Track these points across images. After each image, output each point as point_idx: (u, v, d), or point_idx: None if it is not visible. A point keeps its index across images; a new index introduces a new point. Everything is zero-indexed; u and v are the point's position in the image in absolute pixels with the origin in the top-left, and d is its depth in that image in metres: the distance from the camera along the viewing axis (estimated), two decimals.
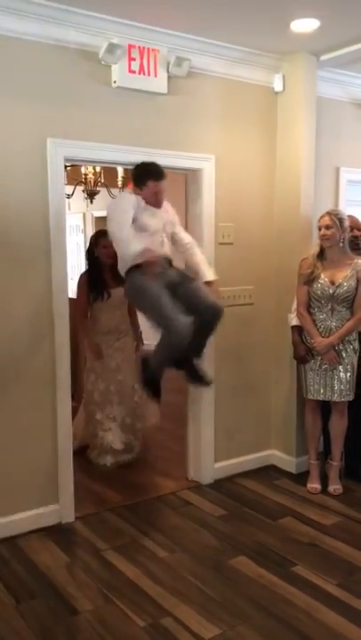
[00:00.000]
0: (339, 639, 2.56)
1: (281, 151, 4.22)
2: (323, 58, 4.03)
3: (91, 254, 4.51)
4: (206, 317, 3.30)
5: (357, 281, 3.81)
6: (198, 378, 3.55)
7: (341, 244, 3.84)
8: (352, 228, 4.09)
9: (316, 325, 3.89)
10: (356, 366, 3.91)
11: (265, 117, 4.17)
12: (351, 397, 3.92)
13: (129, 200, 3.32)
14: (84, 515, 3.68)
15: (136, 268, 3.24)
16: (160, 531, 3.49)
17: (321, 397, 3.94)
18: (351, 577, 3.04)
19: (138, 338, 4.65)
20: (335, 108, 4.48)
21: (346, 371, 3.87)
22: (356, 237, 4.14)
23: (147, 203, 3.33)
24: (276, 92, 4.16)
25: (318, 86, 4.18)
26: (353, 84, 4.49)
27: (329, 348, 3.83)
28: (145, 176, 3.31)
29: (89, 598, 2.85)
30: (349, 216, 4.23)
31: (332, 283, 3.82)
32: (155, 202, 3.35)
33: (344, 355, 3.87)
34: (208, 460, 4.15)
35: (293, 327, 4.03)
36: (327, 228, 3.79)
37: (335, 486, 4.02)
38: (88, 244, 4.62)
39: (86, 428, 4.56)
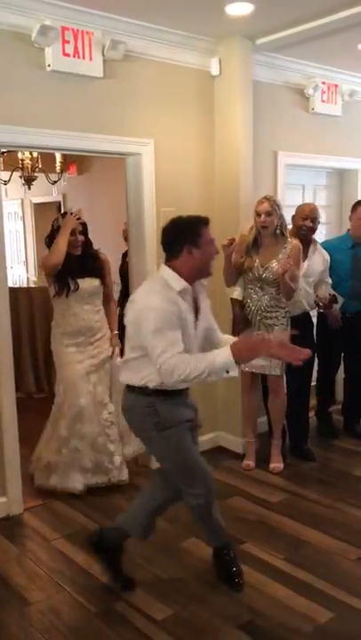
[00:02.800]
0: (286, 610, 2.65)
1: (219, 135, 4.23)
2: (258, 42, 4.06)
3: (51, 240, 3.79)
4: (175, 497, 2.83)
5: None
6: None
7: (278, 231, 3.88)
8: (305, 218, 4.12)
9: (249, 302, 3.96)
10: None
11: (203, 101, 4.17)
12: (278, 373, 3.98)
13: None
14: (33, 506, 3.65)
15: (162, 395, 2.58)
16: (111, 517, 3.48)
17: (252, 370, 3.97)
18: (297, 551, 3.14)
19: (114, 341, 3.95)
20: (272, 92, 4.52)
21: None
22: (306, 228, 4.12)
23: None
24: (213, 76, 4.17)
25: (255, 70, 4.22)
26: (288, 67, 4.55)
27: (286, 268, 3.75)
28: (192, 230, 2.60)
29: (40, 588, 2.84)
30: (307, 205, 4.28)
31: (262, 266, 3.86)
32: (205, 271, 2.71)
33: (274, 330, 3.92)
34: None
35: (234, 300, 4.07)
36: (268, 214, 3.81)
37: (275, 464, 4.12)
38: (50, 229, 3.87)
39: (48, 446, 3.88)
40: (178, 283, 2.52)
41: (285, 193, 4.62)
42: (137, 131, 3.84)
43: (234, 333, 4.08)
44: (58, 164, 6.38)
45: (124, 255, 6.19)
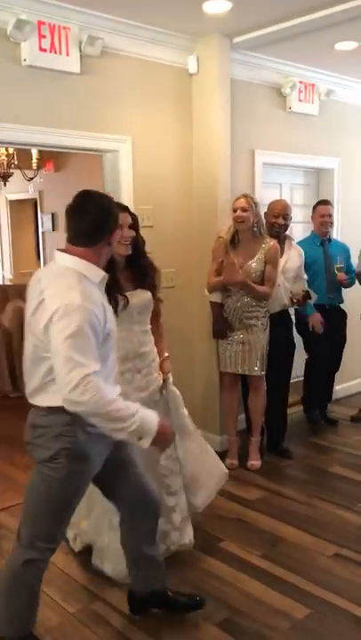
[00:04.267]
0: (263, 607, 2.66)
1: (197, 133, 4.23)
2: (236, 40, 4.06)
3: None
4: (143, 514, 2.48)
5: (265, 263, 3.87)
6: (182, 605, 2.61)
7: (255, 228, 3.89)
8: (278, 215, 4.15)
9: (229, 302, 3.96)
10: (265, 343, 4.00)
11: (180, 99, 4.16)
12: (259, 373, 4.00)
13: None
14: (9, 506, 3.61)
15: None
16: None
17: (234, 370, 4.02)
18: (274, 548, 3.15)
19: (165, 366, 3.03)
20: (249, 90, 4.53)
21: (256, 348, 3.96)
22: (277, 225, 4.15)
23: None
24: (191, 74, 4.16)
25: (232, 69, 4.22)
26: (266, 66, 4.56)
27: (240, 283, 3.81)
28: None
29: None
30: (279, 201, 4.31)
31: (241, 266, 3.86)
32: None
33: (253, 331, 3.96)
34: None
35: (213, 303, 4.08)
36: (243, 210, 3.83)
37: (252, 462, 4.14)
38: None
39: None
40: (95, 272, 2.14)
41: (263, 191, 4.64)
42: (114, 127, 3.82)
43: (214, 335, 4.10)
44: (34, 160, 6.33)
45: None
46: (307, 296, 4.17)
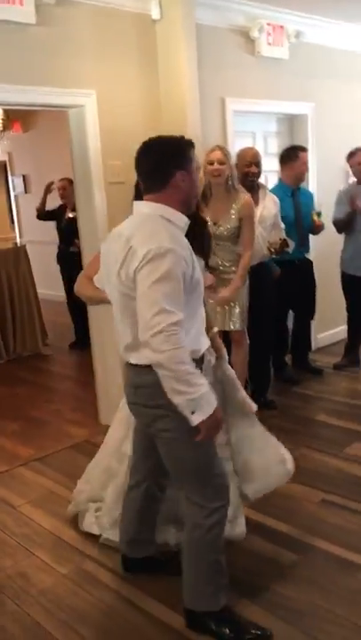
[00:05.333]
0: (252, 556, 2.70)
1: (164, 82, 4.08)
2: None
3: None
4: None
5: (240, 220, 3.77)
6: None
7: (230, 182, 3.77)
8: (250, 163, 4.05)
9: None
10: (246, 297, 3.95)
11: (145, 48, 4.01)
12: (241, 328, 3.96)
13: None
14: None
15: None
16: (76, 478, 3.47)
17: (220, 327, 3.96)
18: (263, 498, 3.14)
19: (216, 344, 2.61)
20: (216, 35, 4.37)
21: (237, 303, 3.90)
22: (252, 174, 4.06)
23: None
24: (154, 20, 3.99)
25: (197, 12, 4.05)
26: (232, 9, 4.39)
27: (236, 294, 3.80)
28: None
29: (8, 555, 2.82)
30: (249, 148, 4.21)
31: (215, 223, 3.75)
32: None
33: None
34: (119, 402, 4.13)
35: None
36: (220, 162, 3.68)
37: None
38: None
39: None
40: (177, 215, 2.04)
41: (236, 141, 4.52)
42: (77, 81, 3.68)
43: None
44: (0, 121, 6.13)
45: (60, 210, 6.05)
46: (284, 244, 4.09)
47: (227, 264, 3.85)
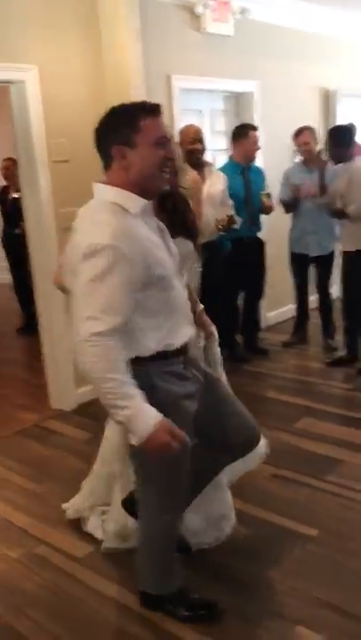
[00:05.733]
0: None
1: (108, 58, 3.99)
2: None
3: None
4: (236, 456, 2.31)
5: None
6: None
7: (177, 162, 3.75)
8: (194, 140, 4.02)
9: None
10: (197, 276, 3.93)
11: (87, 22, 3.90)
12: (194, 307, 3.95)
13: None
14: None
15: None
16: (26, 464, 3.44)
17: None
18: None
19: (205, 322, 2.61)
20: (161, 10, 4.29)
21: (188, 282, 3.89)
22: (197, 151, 4.04)
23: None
24: None
25: None
26: None
27: None
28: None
29: None
30: (190, 125, 4.17)
31: None
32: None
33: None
34: (69, 386, 4.09)
35: None
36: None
37: None
38: None
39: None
40: (131, 200, 1.75)
41: (182, 119, 4.48)
42: (17, 56, 3.56)
43: None
44: None
45: (3, 191, 5.91)
46: (231, 221, 4.07)
47: None
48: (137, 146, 1.74)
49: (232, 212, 4.18)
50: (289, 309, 5.48)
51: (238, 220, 4.18)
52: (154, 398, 1.77)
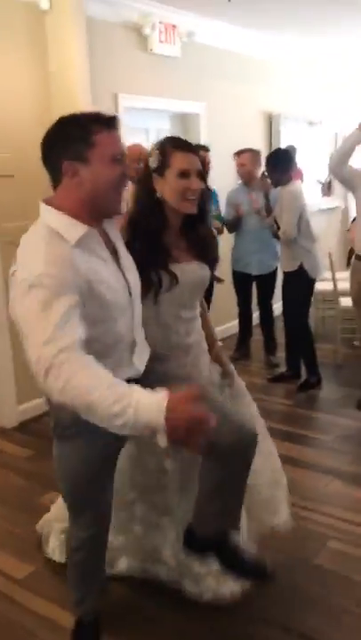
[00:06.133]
0: None
1: (55, 75, 4.00)
2: None
3: (147, 190, 2.08)
4: (235, 459, 1.95)
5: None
6: (246, 569, 2.06)
7: None
8: (138, 160, 4.06)
9: None
10: None
11: (35, 39, 3.91)
12: None
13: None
14: None
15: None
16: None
17: None
18: None
19: (222, 359, 2.42)
20: (108, 30, 4.35)
21: None
22: (140, 169, 4.09)
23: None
24: (43, 11, 3.90)
25: (89, 6, 4.01)
26: (124, 5, 4.38)
27: None
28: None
29: None
30: (136, 145, 4.21)
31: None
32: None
33: None
34: (10, 403, 4.04)
35: None
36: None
37: None
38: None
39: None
40: (71, 229, 1.58)
41: (128, 137, 4.52)
42: None
43: None
44: None
45: None
46: None
47: None
48: (90, 162, 1.57)
49: None
50: (233, 325, 5.57)
51: None
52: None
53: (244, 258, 4.90)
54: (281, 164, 4.28)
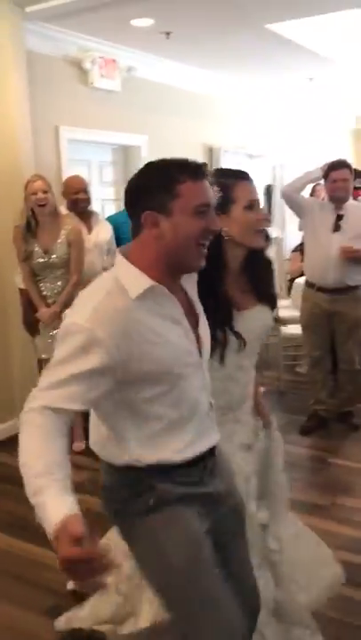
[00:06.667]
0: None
1: None
2: (28, 9, 3.90)
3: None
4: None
5: (69, 245, 3.77)
6: None
7: (54, 209, 3.77)
8: (77, 190, 4.08)
9: (42, 294, 3.83)
10: None
11: None
12: None
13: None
14: None
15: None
16: None
17: (51, 357, 3.92)
18: (106, 528, 3.15)
19: (264, 408, 2.14)
20: (49, 64, 4.39)
21: None
22: (81, 201, 4.09)
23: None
24: None
25: (29, 41, 4.05)
26: (64, 40, 4.45)
27: (54, 318, 3.81)
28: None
29: None
30: (75, 176, 4.23)
31: (46, 252, 3.74)
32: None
33: None
34: None
35: (21, 290, 3.93)
36: (44, 191, 3.67)
37: (77, 443, 4.10)
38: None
39: None
40: (136, 282, 1.43)
41: (71, 169, 4.54)
42: None
43: (25, 326, 3.96)
44: None
45: None
46: None
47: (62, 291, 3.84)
48: (172, 213, 1.44)
49: None
50: None
51: None
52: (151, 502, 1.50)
53: None
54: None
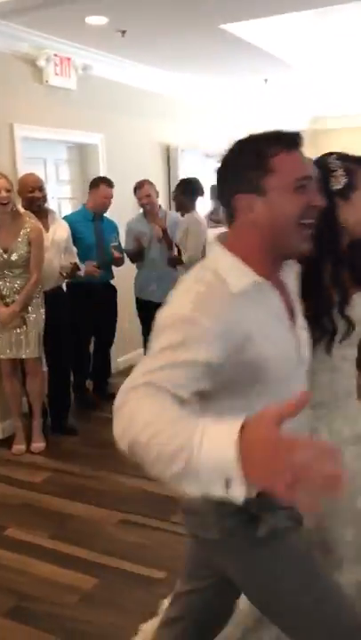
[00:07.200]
0: (52, 586, 2.66)
1: None
2: None
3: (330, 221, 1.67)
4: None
5: (29, 244, 3.76)
6: None
7: (15, 208, 3.76)
8: (33, 189, 4.05)
9: (0, 293, 3.80)
10: (41, 323, 3.93)
11: None
12: (37, 354, 3.94)
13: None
14: None
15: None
16: None
17: (11, 356, 3.89)
18: (62, 526, 3.15)
19: None
20: (3, 61, 4.32)
21: (32, 328, 3.88)
22: (36, 199, 4.06)
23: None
24: None
25: None
26: (18, 36, 4.37)
27: (13, 317, 3.78)
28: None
29: None
30: (29, 174, 4.20)
31: (5, 250, 3.73)
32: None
33: (29, 311, 3.86)
34: None
35: None
36: (7, 190, 3.66)
37: (36, 444, 4.08)
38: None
39: None
40: (239, 276, 1.30)
41: (25, 167, 4.49)
42: None
43: None
44: None
45: None
46: (75, 268, 4.18)
47: (20, 290, 3.81)
48: (267, 192, 1.28)
49: (76, 259, 4.25)
50: (138, 354, 5.57)
51: (82, 267, 4.27)
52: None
53: (147, 286, 4.95)
54: (191, 191, 4.63)
